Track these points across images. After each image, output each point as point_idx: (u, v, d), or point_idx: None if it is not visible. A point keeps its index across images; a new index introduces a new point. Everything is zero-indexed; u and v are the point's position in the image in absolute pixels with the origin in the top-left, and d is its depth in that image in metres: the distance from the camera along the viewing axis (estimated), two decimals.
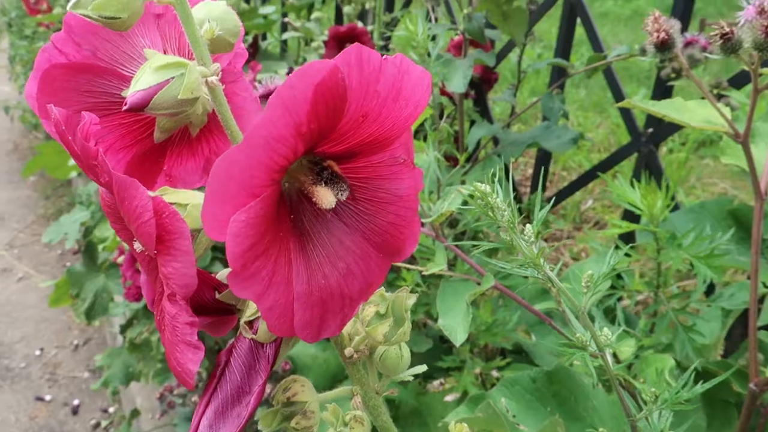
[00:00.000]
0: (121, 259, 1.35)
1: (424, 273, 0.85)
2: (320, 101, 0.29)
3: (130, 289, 1.29)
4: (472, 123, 1.46)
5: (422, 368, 0.45)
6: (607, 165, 1.32)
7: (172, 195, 0.38)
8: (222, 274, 0.43)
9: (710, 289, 1.09)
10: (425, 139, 1.17)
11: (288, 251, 0.34)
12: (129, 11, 0.34)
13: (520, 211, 1.45)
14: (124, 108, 0.33)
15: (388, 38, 1.66)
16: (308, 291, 0.35)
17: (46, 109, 0.36)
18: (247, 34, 1.78)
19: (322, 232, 0.37)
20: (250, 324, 0.40)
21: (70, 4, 0.34)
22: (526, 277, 0.54)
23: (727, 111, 0.70)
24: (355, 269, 0.37)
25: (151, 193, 0.36)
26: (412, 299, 0.41)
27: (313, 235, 0.36)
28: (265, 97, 1.00)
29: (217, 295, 0.42)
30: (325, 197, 0.34)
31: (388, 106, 0.33)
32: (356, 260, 0.37)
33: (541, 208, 0.52)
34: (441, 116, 1.26)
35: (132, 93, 0.33)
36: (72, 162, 1.93)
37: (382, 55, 0.32)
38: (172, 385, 1.38)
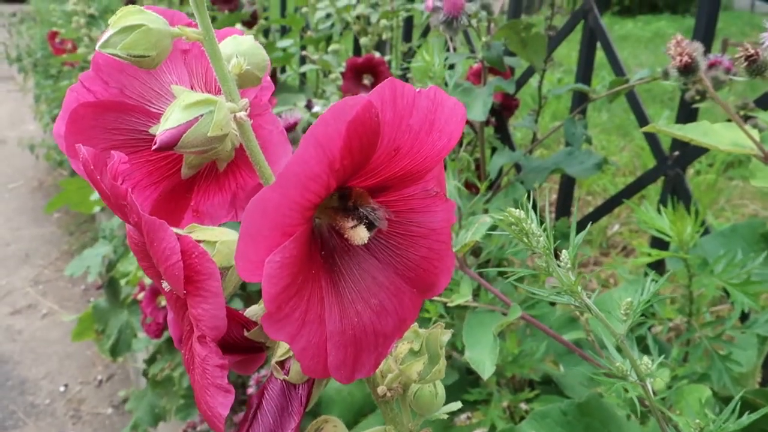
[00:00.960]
0: (141, 296, 1.35)
1: (449, 304, 0.84)
2: (354, 137, 0.29)
3: (151, 325, 1.29)
4: (493, 150, 1.46)
5: (456, 405, 0.43)
6: (632, 190, 1.31)
7: (200, 232, 0.37)
8: (251, 311, 0.42)
9: (744, 315, 1.06)
10: (445, 167, 1.17)
11: (320, 289, 0.33)
12: (158, 49, 0.34)
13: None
14: (154, 147, 0.33)
15: (407, 68, 1.67)
16: (341, 329, 0.34)
17: (74, 148, 0.36)
18: None
19: (353, 268, 0.36)
20: (282, 364, 0.39)
21: (99, 44, 0.34)
22: (552, 304, 0.53)
23: (755, 133, 0.69)
24: (388, 305, 0.36)
25: (179, 231, 0.36)
26: (447, 335, 0.40)
27: (345, 271, 0.36)
28: (287, 129, 1.00)
29: (246, 334, 0.41)
30: (357, 232, 0.34)
31: (422, 139, 0.33)
32: (389, 296, 0.37)
33: (567, 235, 0.51)
34: (461, 144, 1.26)
35: (161, 132, 0.33)
36: (95, 196, 1.95)
37: (415, 88, 0.32)
38: (195, 422, 1.37)
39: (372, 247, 0.37)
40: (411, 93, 0.31)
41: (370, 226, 0.35)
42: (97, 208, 2.11)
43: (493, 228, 0.80)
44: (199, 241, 0.35)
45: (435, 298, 0.90)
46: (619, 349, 0.55)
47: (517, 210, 0.47)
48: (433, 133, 0.33)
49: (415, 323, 0.40)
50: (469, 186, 1.33)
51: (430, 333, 0.40)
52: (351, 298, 0.35)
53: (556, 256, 0.49)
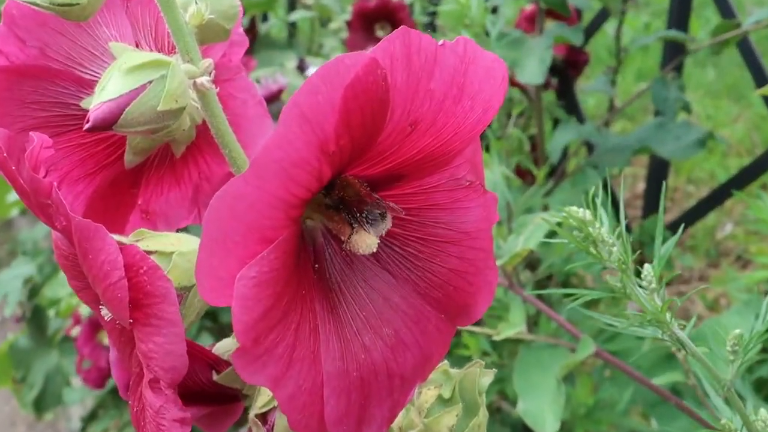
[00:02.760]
0: (76, 331, 1.36)
1: (496, 337, 0.84)
2: (353, 109, 0.29)
3: (90, 371, 1.30)
4: (555, 123, 1.46)
5: None
6: (749, 175, 1.30)
7: (150, 240, 0.38)
8: (222, 347, 0.43)
9: None
10: (488, 149, 1.17)
11: (313, 315, 0.34)
12: None
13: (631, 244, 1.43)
14: (86, 127, 0.33)
15: (434, 14, 1.68)
16: (342, 370, 0.34)
17: None
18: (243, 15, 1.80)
19: (359, 287, 0.37)
20: (263, 418, 0.39)
21: None
22: (640, 338, 0.53)
23: None
24: (406, 337, 0.37)
25: (122, 239, 0.37)
26: (489, 377, 0.40)
27: (347, 290, 0.37)
28: (268, 100, 1.01)
29: (216, 377, 0.42)
30: (362, 238, 0.34)
31: (447, 110, 0.33)
32: (408, 324, 0.37)
33: (664, 238, 0.51)
34: (509, 117, 1.26)
35: (96, 106, 0.33)
36: (13, 197, 1.97)
37: (436, 40, 0.32)
38: None
39: (383, 258, 0.37)
40: (431, 47, 0.32)
41: (379, 229, 0.35)
42: (15, 212, 2.13)
43: (551, 235, 0.80)
44: (149, 252, 0.35)
45: (474, 327, 0.90)
46: (727, 400, 0.55)
47: (581, 209, 0.48)
48: (462, 102, 0.33)
49: (445, 361, 0.41)
50: (523, 173, 1.32)
51: (465, 375, 0.40)
52: (356, 328, 0.36)
53: (639, 272, 0.50)
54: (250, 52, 1.73)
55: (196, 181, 0.44)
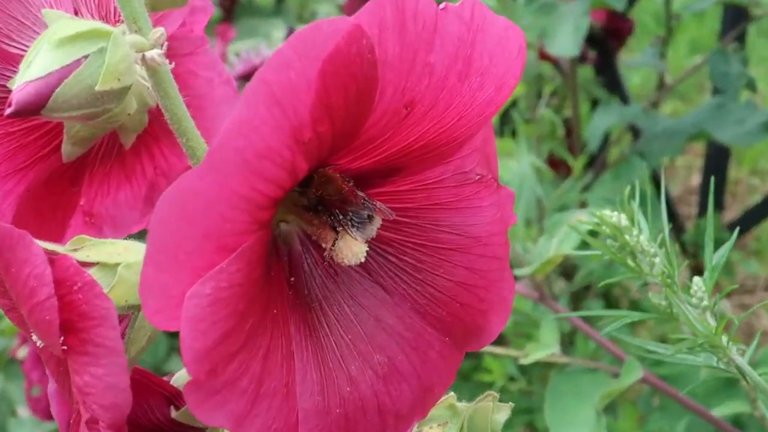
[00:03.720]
0: (22, 353, 1.36)
1: (523, 360, 0.84)
2: (333, 87, 0.29)
3: (40, 400, 1.30)
4: (594, 104, 1.45)
5: None
6: None
7: (92, 249, 0.37)
8: (181, 377, 0.43)
9: None
10: (514, 135, 1.16)
11: (287, 339, 0.33)
12: None
13: (683, 247, 1.42)
14: (8, 112, 0.33)
15: None
16: (323, 406, 0.34)
17: None
18: None
19: (344, 304, 0.36)
20: None
21: None
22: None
23: None
24: (402, 365, 0.37)
25: (57, 248, 0.36)
26: (504, 413, 0.40)
27: (330, 309, 0.36)
28: (245, 78, 1.00)
29: (174, 414, 0.42)
30: (348, 245, 0.34)
31: (451, 89, 0.33)
32: (404, 350, 0.37)
33: (722, 241, 0.50)
34: (540, 97, 1.26)
35: (20, 86, 0.33)
36: None
37: (437, 2, 0.32)
38: None
39: (375, 269, 0.37)
40: (430, 12, 0.31)
41: (367, 233, 0.35)
42: None
43: (590, 235, 0.80)
44: (90, 264, 0.35)
45: (497, 348, 0.90)
46: None
47: (614, 213, 0.47)
48: (470, 78, 0.33)
49: (451, 394, 0.41)
50: (556, 163, 1.32)
51: (475, 410, 0.40)
52: (340, 355, 0.35)
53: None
54: (228, 19, 1.73)
55: (151, 177, 0.43)
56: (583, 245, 0.81)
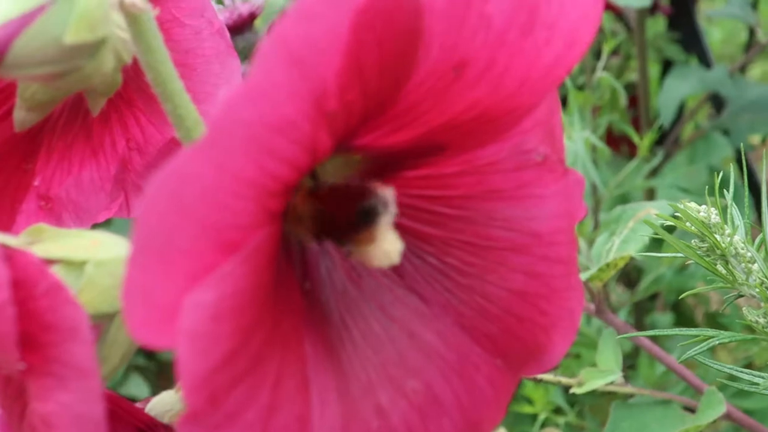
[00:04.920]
0: None
1: (576, 389, 0.83)
2: (367, 44, 0.29)
3: None
4: (666, 67, 1.45)
5: None
6: None
7: (52, 243, 0.37)
8: (160, 403, 0.43)
9: None
10: (564, 104, 1.16)
11: (301, 361, 0.34)
12: None
13: None
14: None
15: None
16: None
17: None
18: None
19: (371, 317, 0.37)
20: None
21: None
22: None
23: None
24: (443, 394, 0.37)
25: (8, 240, 0.36)
26: None
27: (353, 323, 0.36)
28: (233, 30, 1.00)
29: None
30: (380, 244, 0.34)
31: (511, 45, 0.33)
32: (446, 374, 0.37)
33: None
34: (598, 56, 1.25)
35: None
36: None
37: None
38: None
39: (408, 273, 0.37)
40: None
41: (402, 229, 0.35)
42: None
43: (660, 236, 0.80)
44: (49, 262, 0.35)
45: (544, 377, 0.89)
46: None
47: (702, 207, 0.47)
48: (535, 33, 0.33)
49: (502, 429, 0.41)
50: (615, 141, 1.31)
51: None
52: (366, 381, 0.35)
53: None
54: None
55: (123, 152, 0.43)
56: (653, 246, 0.81)
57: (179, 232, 0.28)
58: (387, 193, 0.35)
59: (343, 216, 0.36)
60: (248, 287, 0.30)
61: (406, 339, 0.37)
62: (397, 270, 0.37)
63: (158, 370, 1.29)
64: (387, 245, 0.34)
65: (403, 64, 0.31)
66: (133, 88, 0.41)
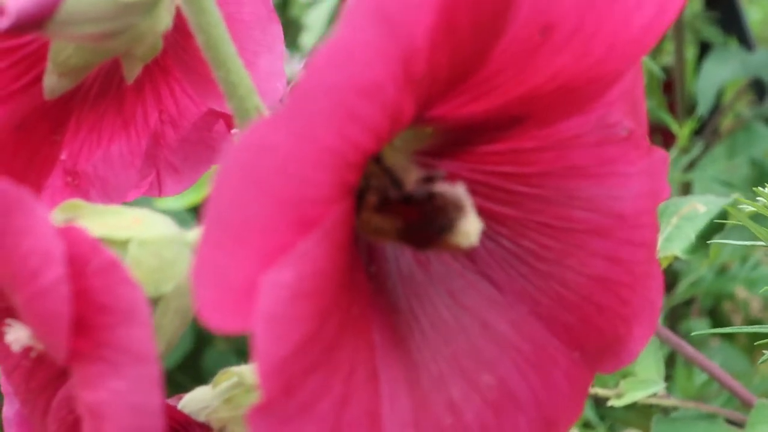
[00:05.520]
0: None
1: (614, 401, 0.83)
2: (460, 3, 0.29)
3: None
4: (704, 49, 1.45)
5: None
6: None
7: (89, 220, 0.37)
8: (194, 400, 0.43)
9: None
10: None
11: (370, 351, 0.34)
12: None
13: None
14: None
15: None
16: None
17: None
18: None
19: (440, 304, 0.37)
20: None
21: None
22: None
23: None
24: (518, 389, 0.37)
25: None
26: None
27: (421, 310, 0.36)
28: None
29: None
30: (461, 226, 0.34)
31: (601, 7, 0.33)
32: (520, 367, 0.37)
33: None
34: None
35: None
36: None
37: None
38: None
39: (480, 257, 0.37)
40: None
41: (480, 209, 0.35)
42: None
43: (711, 230, 0.79)
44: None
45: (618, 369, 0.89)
46: None
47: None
48: None
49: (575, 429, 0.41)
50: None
51: None
52: (437, 373, 0.36)
53: None
54: None
55: (155, 125, 0.43)
56: (698, 245, 0.81)
57: (255, 207, 0.29)
58: (459, 192, 0.35)
59: (419, 231, 0.36)
60: (327, 267, 0.30)
61: (478, 329, 0.37)
62: (468, 254, 0.37)
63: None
64: (466, 225, 0.34)
65: (495, 25, 0.31)
66: (171, 55, 0.41)
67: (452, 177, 0.37)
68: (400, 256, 0.37)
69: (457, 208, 0.34)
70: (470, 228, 0.34)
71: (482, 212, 0.36)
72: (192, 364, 1.32)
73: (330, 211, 0.30)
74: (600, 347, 0.38)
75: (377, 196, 0.36)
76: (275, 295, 0.29)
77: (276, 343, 0.29)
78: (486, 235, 0.37)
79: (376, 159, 0.36)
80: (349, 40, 0.28)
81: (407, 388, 0.35)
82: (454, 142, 0.36)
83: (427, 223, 0.35)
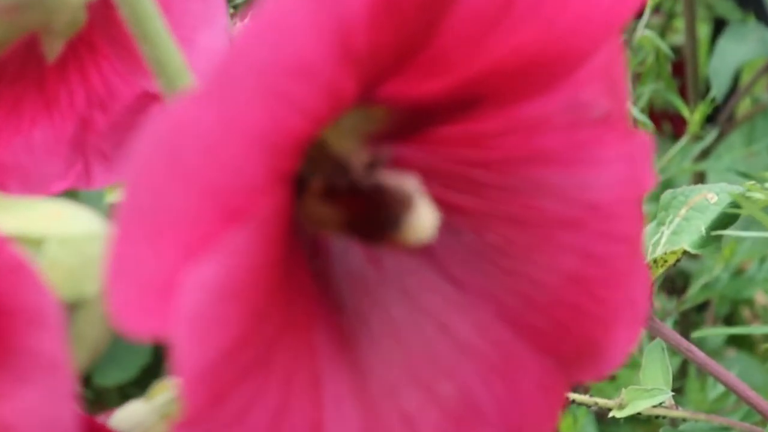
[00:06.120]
0: None
1: (616, 412, 0.84)
2: None
3: None
4: (718, 26, 1.45)
5: None
6: None
7: (3, 213, 0.37)
8: (127, 416, 0.43)
9: None
10: None
11: (312, 356, 0.34)
12: None
13: None
14: None
15: None
16: None
17: None
18: None
19: (393, 304, 0.37)
20: None
21: None
22: None
23: None
24: (482, 400, 0.37)
25: None
26: None
27: (373, 312, 0.36)
28: None
29: None
30: (415, 217, 0.34)
31: None
32: (484, 376, 0.37)
33: None
34: (639, 13, 1.26)
35: None
36: None
37: None
38: None
39: (439, 253, 0.37)
40: None
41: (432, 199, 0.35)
42: None
43: (724, 221, 0.79)
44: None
45: (577, 396, 0.89)
46: None
47: None
48: None
49: None
50: (656, 116, 1.30)
51: None
52: (388, 382, 0.35)
53: None
54: None
55: (82, 108, 0.43)
56: (709, 239, 0.81)
57: (176, 196, 0.29)
58: (410, 185, 0.35)
59: (367, 224, 0.36)
60: (260, 262, 0.30)
61: (436, 332, 0.36)
62: (425, 250, 0.36)
63: (95, 399, 1.29)
64: (419, 219, 0.34)
65: None
66: (98, 30, 0.41)
67: (407, 163, 0.37)
68: (348, 252, 0.37)
69: (406, 199, 0.34)
70: (423, 221, 0.34)
71: (441, 203, 0.36)
72: (149, 378, 1.32)
73: (263, 201, 0.30)
74: (576, 352, 0.38)
75: (321, 183, 0.36)
76: (200, 294, 0.29)
77: (201, 347, 0.29)
78: (445, 228, 0.36)
79: (322, 143, 0.36)
80: (279, 14, 0.28)
81: (355, 398, 0.35)
82: (409, 125, 0.36)
83: (374, 216, 0.35)
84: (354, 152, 0.36)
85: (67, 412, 0.32)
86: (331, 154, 0.36)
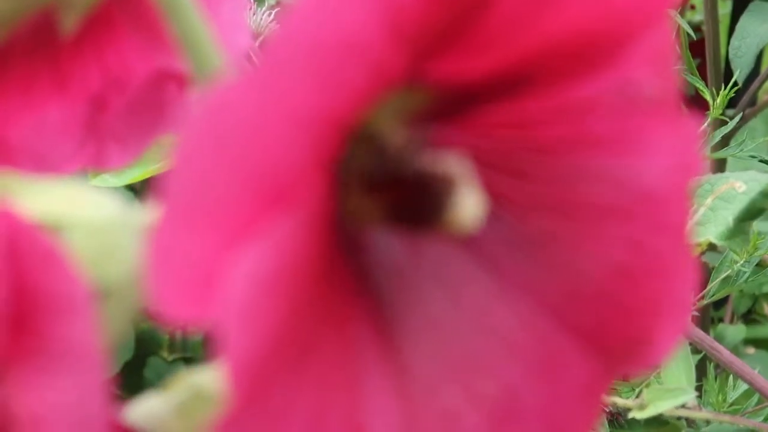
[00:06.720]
0: None
1: (636, 413, 0.84)
2: None
3: None
4: (738, 4, 1.44)
5: None
6: None
7: (26, 197, 0.37)
8: (143, 411, 0.43)
9: None
10: None
11: (351, 350, 0.34)
12: None
13: None
14: None
15: None
16: None
17: None
18: None
19: (434, 297, 0.37)
20: None
21: None
22: None
23: None
24: (524, 397, 0.37)
25: None
26: None
27: (410, 304, 0.37)
28: None
29: None
30: (459, 206, 0.34)
31: None
32: (527, 370, 0.37)
33: None
34: None
35: None
36: None
37: None
38: None
39: (480, 243, 0.37)
40: None
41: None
42: None
43: (753, 212, 0.79)
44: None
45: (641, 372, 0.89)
46: None
47: None
48: None
49: None
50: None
51: None
52: (429, 378, 0.36)
53: None
54: None
55: (97, 88, 0.43)
56: (736, 230, 0.81)
57: (222, 181, 0.29)
58: (456, 168, 0.35)
59: (410, 212, 0.36)
60: (305, 253, 0.31)
61: (478, 327, 0.37)
62: (468, 239, 0.36)
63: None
64: (466, 205, 0.34)
65: None
66: (117, 5, 0.41)
67: (451, 146, 0.37)
68: (388, 245, 0.37)
69: (453, 183, 0.34)
70: (470, 207, 0.34)
71: (486, 190, 0.36)
72: (132, 375, 1.31)
73: (308, 188, 0.31)
74: (620, 346, 0.38)
75: (362, 172, 0.36)
76: (249, 283, 0.29)
77: (250, 336, 0.29)
78: (489, 217, 0.36)
79: (364, 130, 0.36)
80: None
81: (395, 395, 0.35)
82: (453, 107, 0.36)
83: (417, 202, 0.36)
84: (397, 135, 0.36)
85: (97, 404, 0.33)
86: (374, 138, 0.36)
